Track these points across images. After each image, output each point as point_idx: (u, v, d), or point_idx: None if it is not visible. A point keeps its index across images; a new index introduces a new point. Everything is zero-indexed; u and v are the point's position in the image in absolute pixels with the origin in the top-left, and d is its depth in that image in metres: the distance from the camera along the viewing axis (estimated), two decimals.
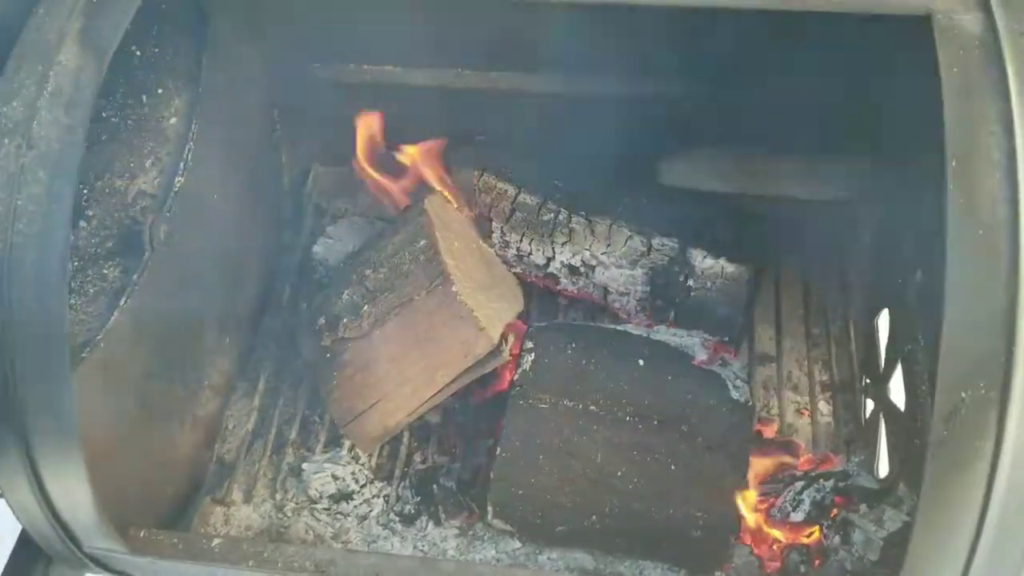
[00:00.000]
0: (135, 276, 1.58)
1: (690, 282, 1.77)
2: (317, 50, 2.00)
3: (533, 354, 1.65)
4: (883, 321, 1.88)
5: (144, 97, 1.65)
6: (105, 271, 1.58)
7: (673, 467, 1.59)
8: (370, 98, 2.02)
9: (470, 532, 1.69)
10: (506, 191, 1.84)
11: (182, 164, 1.72)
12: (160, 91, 1.70)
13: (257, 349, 2.00)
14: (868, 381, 1.87)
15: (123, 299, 1.55)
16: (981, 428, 1.08)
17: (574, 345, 1.67)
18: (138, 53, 1.59)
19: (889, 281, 1.83)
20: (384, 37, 1.93)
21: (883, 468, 1.76)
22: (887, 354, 1.79)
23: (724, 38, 1.74)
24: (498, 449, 1.60)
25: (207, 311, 1.84)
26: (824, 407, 1.90)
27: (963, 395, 1.07)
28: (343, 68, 2.02)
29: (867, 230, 1.97)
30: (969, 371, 1.07)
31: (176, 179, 1.71)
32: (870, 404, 1.86)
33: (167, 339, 1.68)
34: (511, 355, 1.66)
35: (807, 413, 1.91)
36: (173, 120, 1.74)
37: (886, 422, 1.76)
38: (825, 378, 1.93)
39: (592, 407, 1.62)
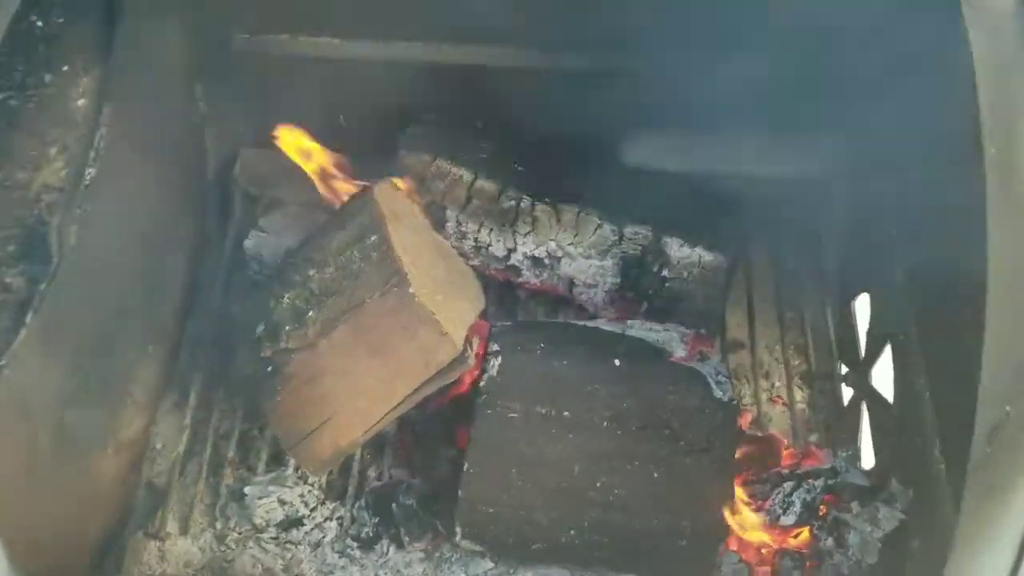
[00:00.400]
0: (43, 286, 1.37)
1: (665, 272, 1.64)
2: (244, 18, 1.81)
3: (500, 357, 1.50)
4: (860, 304, 1.79)
5: (47, 75, 1.46)
6: (7, 280, 1.37)
7: (655, 474, 1.46)
8: (305, 73, 1.83)
9: (436, 554, 1.55)
10: (461, 177, 1.67)
11: (93, 153, 1.51)
12: (66, 68, 1.50)
13: (184, 357, 1.80)
14: (847, 369, 1.78)
15: (29, 313, 1.35)
16: None
17: (543, 345, 1.53)
18: (39, 24, 1.41)
19: (867, 263, 1.74)
20: (321, 4, 1.74)
21: (867, 459, 1.67)
22: (869, 341, 1.70)
23: (692, 9, 1.62)
24: (465, 464, 1.45)
25: (127, 318, 1.64)
26: (799, 395, 1.81)
27: (1008, 409, 0.97)
28: (274, 39, 1.83)
29: (841, 209, 1.87)
30: (1015, 382, 0.96)
31: (86, 170, 1.50)
32: (848, 392, 1.77)
33: (83, 354, 1.49)
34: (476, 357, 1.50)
35: (780, 401, 1.82)
36: (81, 101, 1.54)
37: (870, 412, 1.68)
38: (798, 363, 1.85)
39: (566, 413, 1.48)
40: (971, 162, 1.05)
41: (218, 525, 1.57)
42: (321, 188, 1.69)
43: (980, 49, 1.00)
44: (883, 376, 1.66)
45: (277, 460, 1.64)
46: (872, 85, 1.54)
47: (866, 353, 1.70)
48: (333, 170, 1.70)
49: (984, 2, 1.07)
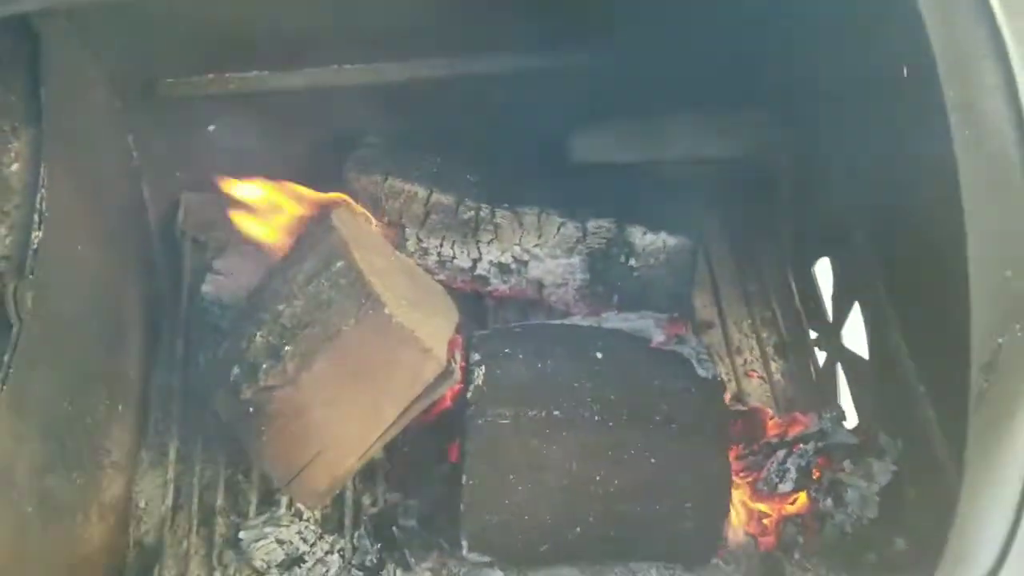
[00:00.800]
0: (7, 356, 1.32)
1: (632, 261, 1.66)
2: (166, 62, 1.77)
3: (483, 366, 1.50)
4: (820, 269, 1.83)
5: None
6: None
7: (652, 460, 1.47)
8: (238, 110, 1.81)
9: (444, 571, 1.52)
10: (416, 193, 1.66)
11: (37, 217, 1.46)
12: None
13: (155, 411, 1.75)
14: (817, 333, 1.81)
15: None
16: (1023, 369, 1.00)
17: (524, 349, 1.53)
18: None
19: (822, 229, 1.78)
20: (243, 39, 1.72)
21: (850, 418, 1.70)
22: (836, 303, 1.74)
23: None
24: (464, 477, 1.44)
25: (92, 379, 1.59)
26: (774, 365, 1.84)
27: (999, 341, 1.00)
28: (201, 80, 1.80)
29: (786, 179, 1.91)
30: (1003, 315, 1.00)
31: (33, 235, 1.45)
32: (821, 356, 1.81)
33: (55, 422, 1.44)
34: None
35: (755, 375, 1.85)
36: (15, 167, 1.49)
37: (846, 372, 1.71)
38: (768, 334, 1.88)
39: (556, 412, 1.47)
40: (924, 112, 1.08)
41: (217, 575, 1.53)
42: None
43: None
44: (853, 335, 1.70)
45: (267, 501, 1.60)
46: (818, 46, 1.58)
47: (834, 315, 1.73)
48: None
49: None
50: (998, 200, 0.99)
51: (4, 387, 1.29)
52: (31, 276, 1.41)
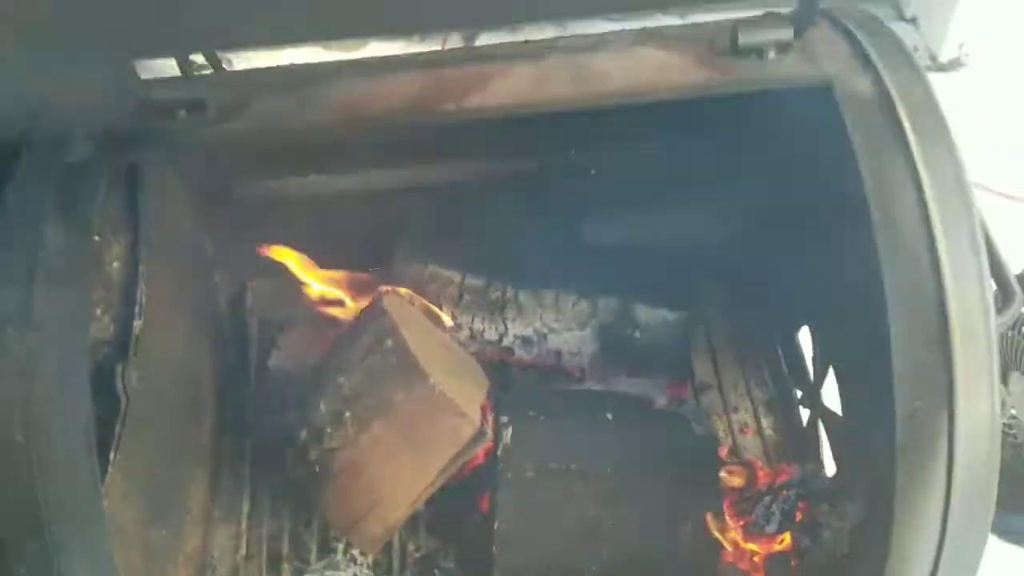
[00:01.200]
0: (117, 427, 1.60)
1: (636, 334, 1.93)
2: (238, 172, 2.06)
3: (510, 427, 1.76)
4: (803, 336, 2.09)
5: None
6: None
7: (656, 506, 1.72)
8: (298, 209, 2.09)
9: None
10: (452, 278, 1.95)
11: (137, 308, 1.74)
12: (97, 239, 1.73)
13: (226, 472, 2.02)
14: (801, 392, 2.06)
15: (112, 453, 1.57)
16: (937, 429, 1.26)
17: (545, 411, 1.79)
18: None
19: (800, 300, 2.03)
20: (303, 152, 2.01)
21: (830, 468, 1.94)
22: (815, 366, 1.98)
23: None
24: (496, 523, 1.69)
25: (177, 444, 1.86)
26: (766, 422, 2.08)
27: (918, 403, 1.25)
28: (265, 184, 2.08)
29: (771, 257, 2.16)
30: (920, 383, 1.25)
31: (134, 323, 1.73)
32: (805, 413, 2.05)
33: (152, 483, 1.70)
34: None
35: (750, 431, 2.09)
36: (116, 264, 1.76)
37: (825, 427, 1.95)
38: (760, 394, 2.12)
39: (573, 466, 1.73)
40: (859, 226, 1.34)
41: None
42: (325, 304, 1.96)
43: (856, 131, 1.31)
44: (832, 394, 1.95)
45: (326, 548, 1.85)
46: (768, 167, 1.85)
47: (814, 377, 1.98)
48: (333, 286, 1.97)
49: (853, 92, 1.38)
50: (912, 296, 1.25)
51: (117, 454, 1.57)
52: (135, 358, 1.70)
